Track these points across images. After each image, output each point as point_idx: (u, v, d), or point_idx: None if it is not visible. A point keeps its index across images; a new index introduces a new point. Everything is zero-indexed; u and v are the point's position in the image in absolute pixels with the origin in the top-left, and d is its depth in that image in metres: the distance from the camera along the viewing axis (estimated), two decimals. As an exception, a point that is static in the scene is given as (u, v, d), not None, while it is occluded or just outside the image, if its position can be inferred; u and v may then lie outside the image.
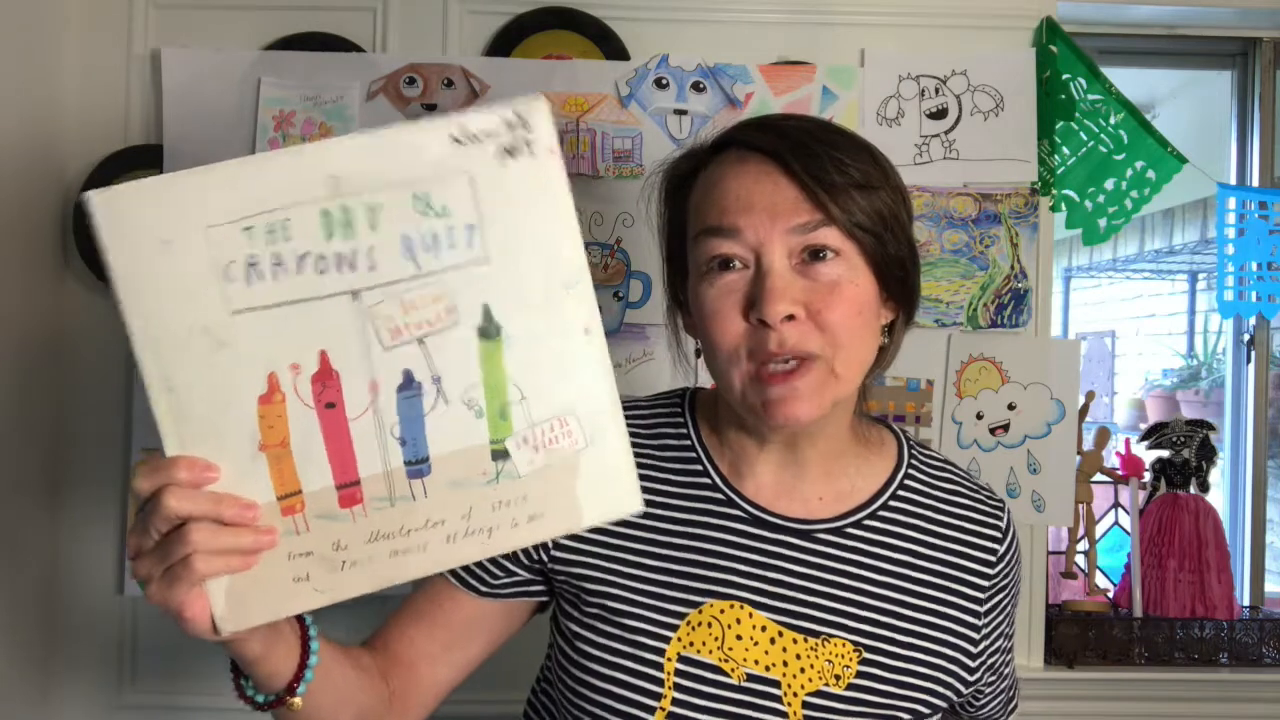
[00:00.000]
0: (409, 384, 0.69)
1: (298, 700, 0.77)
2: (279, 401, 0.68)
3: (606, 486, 0.73)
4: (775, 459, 0.90)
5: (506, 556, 0.90)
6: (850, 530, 0.90)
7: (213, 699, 1.57)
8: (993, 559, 0.93)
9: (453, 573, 0.91)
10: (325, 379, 0.68)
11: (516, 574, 0.92)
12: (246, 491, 0.67)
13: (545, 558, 0.90)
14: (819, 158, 0.82)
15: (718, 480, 0.91)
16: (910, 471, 0.94)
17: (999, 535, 0.94)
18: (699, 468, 0.92)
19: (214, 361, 0.66)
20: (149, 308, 0.65)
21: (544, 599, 0.94)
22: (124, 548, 1.54)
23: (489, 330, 0.70)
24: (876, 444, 0.95)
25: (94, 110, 1.55)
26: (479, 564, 0.91)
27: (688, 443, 0.93)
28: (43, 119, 1.51)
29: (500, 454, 0.71)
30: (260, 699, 0.79)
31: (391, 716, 0.89)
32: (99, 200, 0.64)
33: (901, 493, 0.93)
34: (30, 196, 1.50)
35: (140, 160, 1.54)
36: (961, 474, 0.97)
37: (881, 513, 0.91)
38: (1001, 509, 0.96)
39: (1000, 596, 0.94)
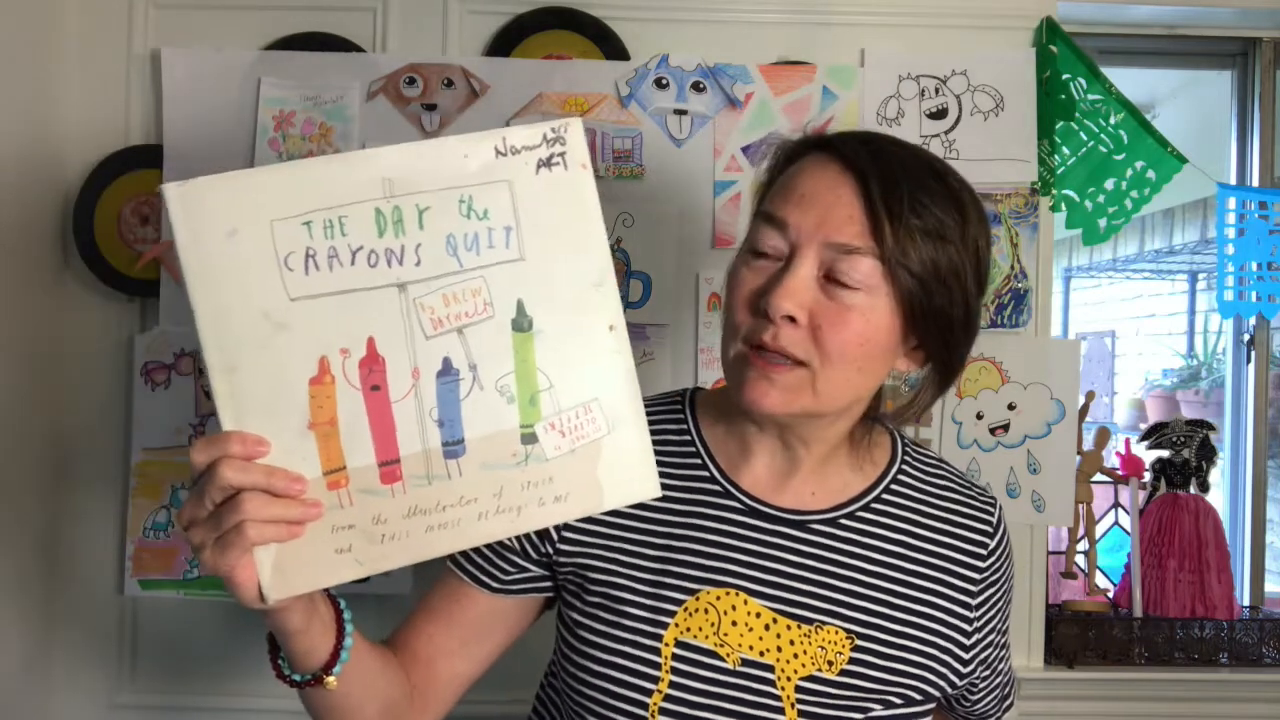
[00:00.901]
0: (448, 370, 0.75)
1: (333, 679, 0.80)
2: (329, 383, 0.73)
3: (626, 471, 0.79)
4: (770, 449, 0.93)
5: (516, 553, 0.94)
6: (844, 521, 0.92)
7: (212, 699, 1.57)
8: (984, 552, 0.95)
9: (466, 571, 0.95)
10: (372, 363, 0.74)
11: (527, 569, 0.94)
12: (295, 466, 0.72)
13: (552, 550, 0.93)
14: (899, 189, 0.82)
15: (716, 473, 0.93)
16: (904, 467, 0.97)
17: (990, 530, 0.96)
18: (698, 461, 0.94)
19: (271, 344, 0.71)
20: (214, 292, 0.70)
21: (552, 594, 0.97)
22: (124, 548, 1.54)
23: (522, 323, 0.76)
24: (872, 443, 0.97)
25: (94, 110, 1.55)
26: (490, 562, 0.94)
27: (688, 438, 0.96)
28: (43, 119, 1.52)
29: (529, 438, 0.77)
30: (297, 678, 0.82)
31: (413, 711, 0.92)
32: (174, 192, 0.69)
33: (895, 487, 0.95)
34: (30, 196, 1.50)
35: (140, 160, 1.54)
36: (954, 471, 1.00)
37: (875, 505, 0.94)
38: (993, 505, 0.98)
39: (992, 590, 0.96)
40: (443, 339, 0.75)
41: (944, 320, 0.86)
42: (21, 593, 1.50)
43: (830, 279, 0.83)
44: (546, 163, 0.76)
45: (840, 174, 0.84)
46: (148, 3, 1.56)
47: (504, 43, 1.57)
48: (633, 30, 1.58)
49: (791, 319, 0.82)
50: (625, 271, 1.56)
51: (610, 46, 1.57)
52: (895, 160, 0.85)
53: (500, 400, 0.76)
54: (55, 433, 1.55)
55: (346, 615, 0.81)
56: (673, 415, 0.98)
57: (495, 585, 0.94)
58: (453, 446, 0.75)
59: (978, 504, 0.97)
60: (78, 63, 1.55)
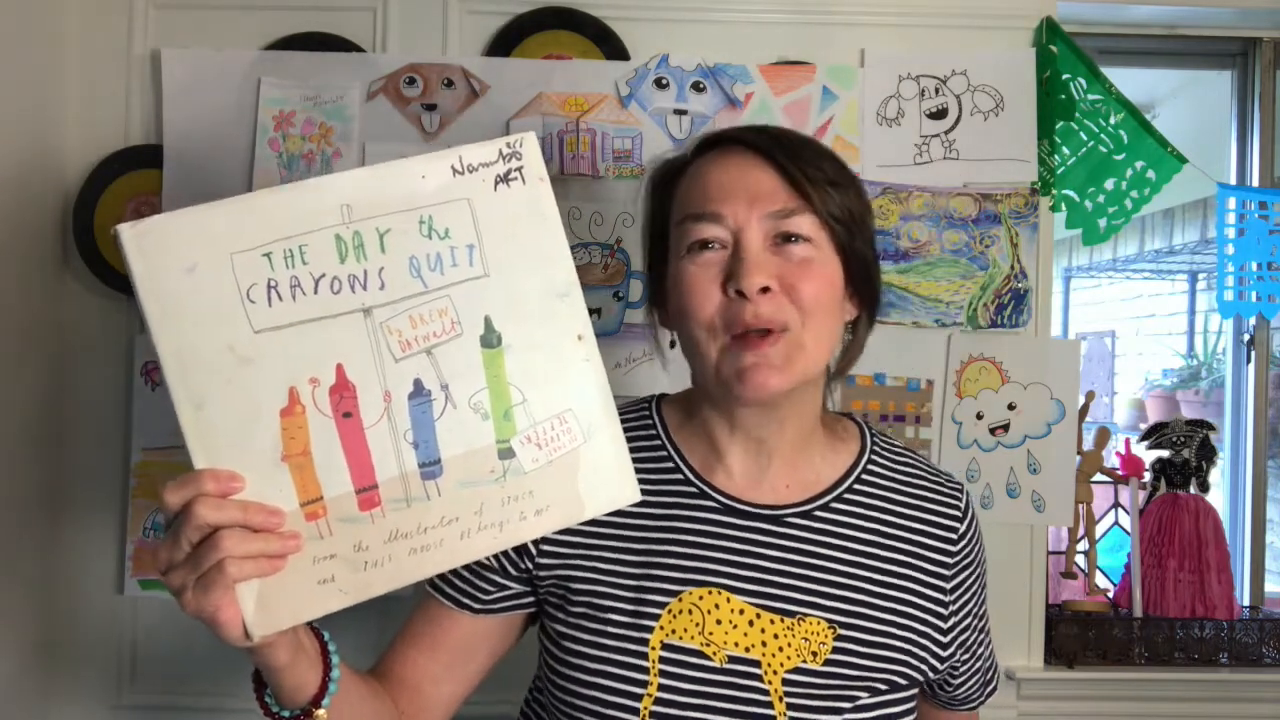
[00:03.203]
0: (420, 392, 0.75)
1: (322, 712, 0.80)
2: (299, 413, 0.72)
3: (605, 478, 0.80)
4: (743, 447, 0.94)
5: (495, 572, 0.94)
6: (818, 513, 0.94)
7: (212, 699, 1.57)
8: (954, 536, 0.98)
9: (446, 595, 0.95)
10: (342, 390, 0.73)
11: (508, 587, 0.94)
12: (272, 500, 0.71)
13: (531, 565, 0.93)
14: (799, 153, 0.90)
15: (689, 475, 0.95)
16: (873, 458, 0.99)
17: (959, 515, 0.99)
18: (670, 464, 0.96)
19: (238, 378, 0.71)
20: (177, 330, 0.70)
21: (535, 610, 0.97)
22: (124, 548, 1.54)
23: (490, 339, 0.76)
24: (841, 434, 1.00)
25: (94, 110, 1.55)
26: (470, 583, 0.94)
27: (658, 442, 0.97)
28: (43, 119, 1.51)
29: (506, 453, 0.77)
30: (285, 714, 0.81)
31: None
32: (129, 232, 0.69)
33: (865, 477, 0.97)
34: (30, 196, 1.50)
35: (140, 160, 1.54)
36: (921, 460, 1.02)
37: (847, 496, 0.96)
38: (960, 491, 1.01)
39: (965, 574, 0.98)
40: (412, 360, 0.75)
41: (864, 260, 0.93)
42: (21, 593, 1.50)
43: (778, 245, 0.88)
44: (504, 178, 0.77)
45: (745, 156, 0.91)
46: (148, 3, 1.56)
47: (504, 43, 1.57)
48: (633, 30, 1.58)
49: (766, 289, 0.86)
50: (625, 271, 1.56)
51: (610, 46, 1.57)
52: (778, 133, 0.94)
53: (474, 417, 0.76)
54: (55, 433, 1.55)
55: (332, 647, 0.81)
56: (642, 422, 0.99)
57: (477, 606, 0.94)
58: (430, 467, 0.75)
59: (946, 491, 1.00)
60: (78, 63, 1.55)
